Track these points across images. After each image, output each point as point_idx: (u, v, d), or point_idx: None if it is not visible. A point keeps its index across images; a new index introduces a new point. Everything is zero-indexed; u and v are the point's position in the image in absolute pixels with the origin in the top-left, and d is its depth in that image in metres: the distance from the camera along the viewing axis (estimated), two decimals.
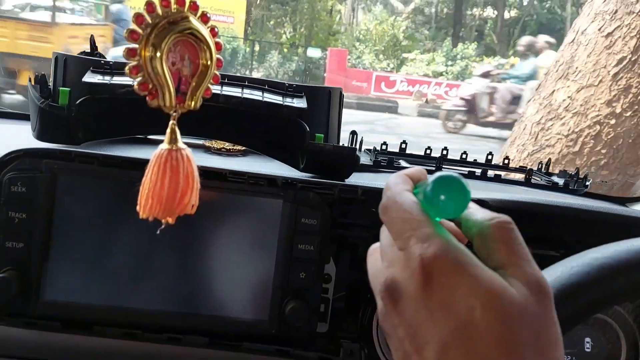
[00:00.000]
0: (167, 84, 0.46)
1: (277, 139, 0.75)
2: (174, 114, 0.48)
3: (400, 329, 0.33)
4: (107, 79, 0.70)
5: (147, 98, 0.46)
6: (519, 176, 0.97)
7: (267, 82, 0.76)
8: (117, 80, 0.70)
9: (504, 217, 0.34)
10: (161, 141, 0.84)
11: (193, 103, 0.48)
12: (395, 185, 0.36)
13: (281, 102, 0.73)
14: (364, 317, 0.68)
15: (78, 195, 0.60)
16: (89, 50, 0.83)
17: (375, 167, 0.87)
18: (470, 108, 6.71)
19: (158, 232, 0.53)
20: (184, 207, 0.48)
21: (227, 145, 0.84)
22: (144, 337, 0.60)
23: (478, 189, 0.75)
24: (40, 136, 0.71)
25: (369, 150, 0.94)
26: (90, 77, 0.70)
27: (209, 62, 0.47)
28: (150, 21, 0.44)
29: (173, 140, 0.48)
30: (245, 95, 0.72)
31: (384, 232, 0.37)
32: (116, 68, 0.72)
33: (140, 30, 0.44)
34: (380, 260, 0.36)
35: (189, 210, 0.49)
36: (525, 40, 6.43)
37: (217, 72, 0.49)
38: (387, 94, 10.00)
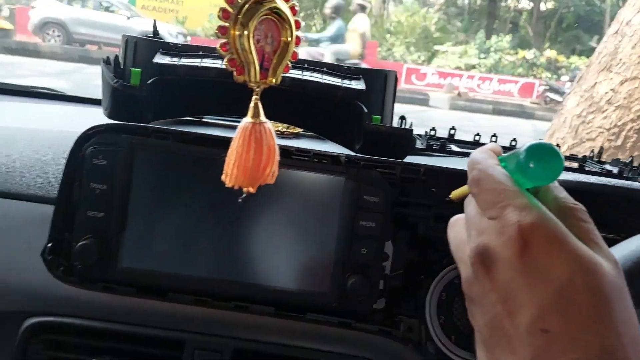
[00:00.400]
0: (253, 61, 0.49)
1: (334, 120, 0.77)
2: (257, 89, 0.50)
3: (492, 294, 0.34)
4: (175, 60, 0.73)
5: (235, 74, 0.49)
6: (571, 165, 0.97)
7: (326, 64, 0.78)
8: (185, 61, 0.73)
9: (580, 204, 0.36)
10: (217, 123, 0.88)
11: (274, 79, 0.51)
12: (484, 160, 0.38)
13: (340, 84, 0.75)
14: (420, 296, 0.69)
15: (153, 168, 0.63)
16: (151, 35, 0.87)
17: (427, 151, 0.89)
18: None
19: (239, 200, 0.56)
20: (266, 176, 0.51)
21: (281, 127, 0.87)
22: (213, 305, 0.63)
23: None
24: (112, 115, 0.75)
25: (420, 135, 0.96)
26: (160, 59, 0.73)
27: (289, 39, 0.50)
28: (239, 1, 0.46)
29: (256, 115, 0.50)
30: (305, 77, 0.74)
31: (470, 203, 0.38)
32: (183, 50, 0.75)
33: (230, 10, 0.46)
34: (465, 231, 0.38)
35: (269, 180, 0.52)
36: (331, 2, 6.22)
37: (296, 50, 0.52)
38: (418, 86, 9.93)
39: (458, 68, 10.92)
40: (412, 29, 12.02)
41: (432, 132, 0.97)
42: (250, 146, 0.50)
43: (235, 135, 0.51)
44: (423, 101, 8.39)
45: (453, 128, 1.00)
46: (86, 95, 1.13)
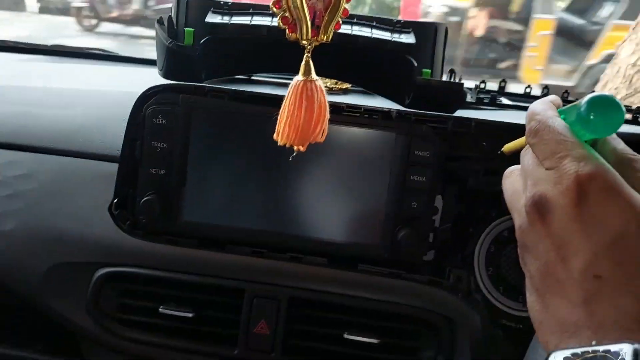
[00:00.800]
0: (305, 18, 0.49)
1: (383, 75, 0.77)
2: (309, 47, 0.51)
3: (546, 240, 0.35)
4: (226, 19, 0.74)
5: (287, 31, 0.50)
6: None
7: (376, 18, 0.77)
8: (236, 20, 0.74)
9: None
10: (266, 81, 0.89)
11: (326, 36, 0.52)
12: (544, 111, 0.38)
13: (389, 38, 0.74)
14: (469, 248, 0.71)
15: (210, 126, 0.66)
16: None
17: (477, 104, 0.87)
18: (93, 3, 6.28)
19: (290, 159, 0.58)
20: (317, 135, 0.52)
21: (330, 83, 0.88)
22: (269, 256, 0.66)
23: None
24: (166, 74, 0.77)
25: (469, 88, 0.94)
26: (211, 18, 0.74)
27: None
28: None
29: (307, 72, 0.51)
30: (354, 32, 0.74)
31: (527, 154, 0.39)
32: (234, 8, 0.76)
33: None
34: (521, 181, 0.39)
35: (319, 139, 0.53)
36: None
37: (347, 6, 0.52)
38: None
39: None
40: None
41: (482, 85, 0.96)
42: (302, 104, 0.51)
43: (286, 93, 0.52)
44: None
45: (504, 80, 0.97)
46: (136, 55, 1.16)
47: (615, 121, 0.34)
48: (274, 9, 0.49)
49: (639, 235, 0.32)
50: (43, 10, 7.88)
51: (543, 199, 0.35)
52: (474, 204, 0.70)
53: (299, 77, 0.51)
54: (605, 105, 0.34)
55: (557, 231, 0.34)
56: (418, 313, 0.66)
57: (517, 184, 0.40)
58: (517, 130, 0.67)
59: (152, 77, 0.75)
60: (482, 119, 0.65)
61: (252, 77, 0.89)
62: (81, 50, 1.16)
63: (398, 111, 0.64)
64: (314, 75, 0.52)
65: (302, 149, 0.55)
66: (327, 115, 0.53)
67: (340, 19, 0.52)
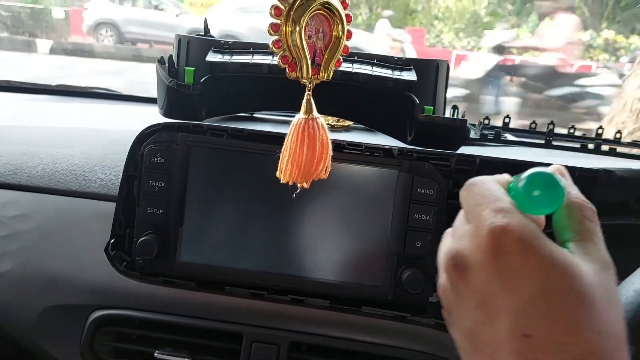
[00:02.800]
0: (305, 57, 0.49)
1: (385, 112, 0.77)
2: (309, 85, 0.51)
3: (469, 299, 0.33)
4: (227, 58, 0.74)
5: (287, 70, 0.49)
6: (635, 151, 0.93)
7: (376, 56, 0.77)
8: (237, 58, 0.74)
9: (590, 204, 0.35)
10: (268, 119, 0.89)
11: (326, 74, 0.51)
12: (483, 177, 0.37)
13: (391, 76, 0.74)
14: None
15: (209, 165, 0.64)
16: (202, 33, 0.88)
17: (481, 141, 0.87)
18: None
19: (294, 196, 0.57)
20: (320, 172, 0.51)
21: (331, 121, 0.87)
22: (270, 298, 0.64)
23: (595, 162, 0.73)
24: (167, 113, 0.77)
25: (473, 124, 0.94)
26: (212, 57, 0.74)
27: (340, 34, 0.50)
28: None
29: (309, 110, 0.51)
30: (355, 70, 0.74)
31: (459, 213, 0.37)
32: (235, 48, 0.76)
33: (282, 6, 0.46)
34: (449, 240, 0.37)
35: (323, 175, 0.52)
36: None
37: (347, 44, 0.52)
38: None
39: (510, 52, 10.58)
40: (461, 14, 11.72)
41: (486, 121, 0.95)
42: (304, 142, 0.50)
43: (288, 131, 0.51)
44: None
45: (507, 116, 0.97)
46: (140, 93, 1.16)
47: (554, 198, 0.33)
48: (274, 49, 0.48)
49: (563, 289, 0.30)
50: (53, 51, 8.06)
51: (460, 255, 0.33)
52: None
53: (301, 115, 0.51)
54: (543, 182, 0.33)
55: (478, 288, 0.32)
56: (425, 358, 0.63)
57: (447, 242, 0.38)
58: (521, 167, 0.66)
59: (153, 116, 0.75)
60: (486, 156, 0.64)
61: (254, 115, 0.88)
62: (85, 89, 1.17)
63: (400, 148, 0.63)
64: (315, 113, 0.51)
65: (306, 186, 0.54)
66: (330, 153, 0.52)
67: (340, 57, 0.52)
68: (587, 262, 0.32)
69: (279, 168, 0.52)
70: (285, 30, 0.48)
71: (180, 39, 0.79)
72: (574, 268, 0.31)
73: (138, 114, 1.00)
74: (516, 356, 0.30)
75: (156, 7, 10.46)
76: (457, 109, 0.91)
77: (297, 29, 0.47)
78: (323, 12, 0.49)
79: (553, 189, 0.33)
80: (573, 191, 0.36)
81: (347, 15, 0.50)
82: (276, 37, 0.48)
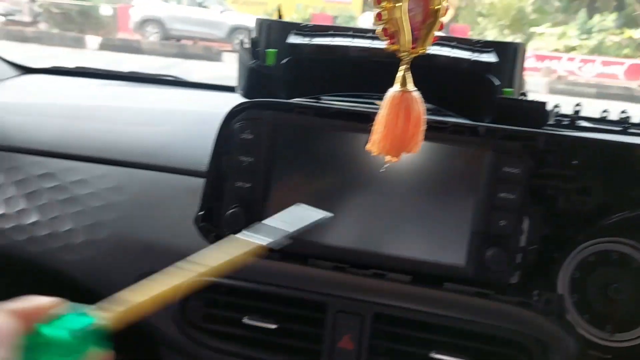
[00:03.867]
0: (405, 29, 0.50)
1: (462, 94, 0.77)
2: (406, 58, 0.52)
3: None
4: (307, 40, 0.76)
5: (387, 42, 0.51)
6: None
7: (456, 39, 0.78)
8: (317, 41, 0.76)
9: None
10: (336, 104, 0.90)
11: (423, 48, 0.52)
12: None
13: (470, 58, 0.75)
14: (552, 272, 0.68)
15: (296, 142, 0.67)
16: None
17: (556, 126, 0.86)
18: None
19: (382, 170, 0.58)
20: (412, 146, 0.52)
21: None
22: (351, 271, 0.66)
23: None
24: (247, 94, 0.80)
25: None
26: (293, 39, 0.77)
27: (438, 7, 0.51)
28: None
29: (404, 83, 0.52)
30: (435, 52, 0.75)
31: None
32: (315, 30, 0.78)
33: None
34: None
35: (414, 150, 0.53)
36: None
37: (442, 20, 0.53)
38: None
39: (556, 50, 10.31)
40: (506, 11, 11.49)
41: (557, 109, 0.94)
42: (399, 115, 0.51)
43: (383, 103, 0.52)
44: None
45: (579, 104, 0.96)
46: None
47: None
48: (376, 21, 0.50)
49: None
50: (102, 47, 8.31)
51: None
52: (561, 225, 0.68)
53: (396, 88, 0.52)
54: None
55: None
56: (509, 334, 0.63)
57: None
58: (613, 148, 0.66)
59: (227, 100, 0.77)
60: (577, 136, 0.64)
61: (320, 100, 0.90)
62: (154, 76, 1.21)
63: (486, 127, 0.64)
64: (411, 86, 0.52)
65: (395, 160, 0.55)
66: (424, 127, 0.53)
67: (436, 32, 0.53)
68: None
69: (370, 140, 0.54)
70: (387, 3, 0.49)
71: (261, 22, 0.81)
72: None
73: (209, 100, 1.03)
74: None
75: (200, 5, 10.65)
76: (526, 94, 0.90)
77: (400, 2, 0.49)
78: None
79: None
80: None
81: None
82: (378, 10, 0.49)
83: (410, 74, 0.52)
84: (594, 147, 0.64)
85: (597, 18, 10.97)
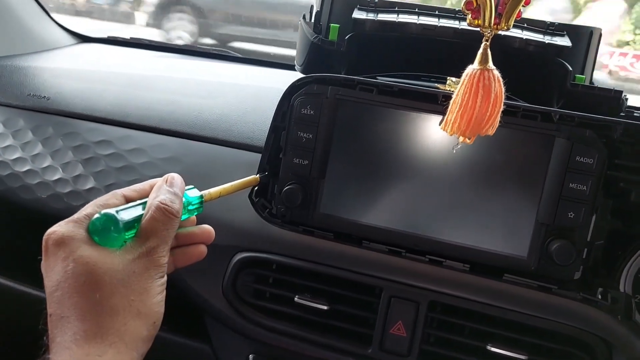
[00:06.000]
0: (490, 4, 0.47)
1: (532, 78, 0.73)
2: (488, 34, 0.49)
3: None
4: (372, 16, 0.74)
5: (470, 16, 0.48)
6: None
7: (527, 20, 0.74)
8: (382, 17, 0.74)
9: (168, 207, 0.48)
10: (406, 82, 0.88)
11: (507, 25, 0.49)
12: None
13: (543, 40, 0.71)
14: (616, 269, 0.65)
15: (356, 120, 0.64)
16: None
17: (627, 118, 0.81)
18: None
19: (454, 150, 0.55)
20: (489, 127, 0.50)
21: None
22: (407, 256, 0.64)
23: None
24: (306, 70, 0.78)
25: None
26: (358, 14, 0.74)
27: None
28: None
29: (484, 61, 0.49)
30: (505, 33, 0.71)
31: None
32: (380, 6, 0.76)
33: None
34: None
35: (490, 132, 0.50)
36: None
37: None
38: None
39: (608, 45, 9.93)
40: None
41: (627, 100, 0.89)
42: (478, 93, 0.49)
43: (461, 81, 0.50)
44: None
45: None
46: None
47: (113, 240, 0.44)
48: None
49: (75, 279, 0.41)
50: (149, 24, 8.42)
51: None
52: (630, 221, 0.64)
53: (475, 66, 0.49)
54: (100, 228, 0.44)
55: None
56: (572, 332, 0.60)
57: None
58: None
59: (285, 77, 0.76)
60: None
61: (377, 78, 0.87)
62: (208, 50, 1.21)
63: (560, 113, 0.60)
64: (491, 64, 0.49)
65: (469, 141, 0.52)
66: (502, 107, 0.50)
67: (522, 8, 0.50)
68: (121, 254, 0.44)
69: (445, 120, 0.51)
70: None
71: None
72: (93, 259, 0.42)
73: (265, 75, 1.02)
74: (52, 326, 0.41)
75: None
76: (593, 84, 0.86)
77: None
78: None
79: (105, 233, 0.44)
80: (162, 196, 0.48)
81: None
82: None
83: (489, 52, 0.49)
84: None
85: None
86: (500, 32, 0.70)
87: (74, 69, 0.91)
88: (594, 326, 0.60)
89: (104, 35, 1.21)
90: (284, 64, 1.09)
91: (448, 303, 0.63)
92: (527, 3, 0.50)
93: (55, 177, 0.77)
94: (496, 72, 0.49)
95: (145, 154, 0.75)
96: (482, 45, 0.49)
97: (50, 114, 0.82)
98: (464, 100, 0.49)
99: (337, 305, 0.65)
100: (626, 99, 0.89)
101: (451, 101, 0.50)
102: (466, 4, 0.47)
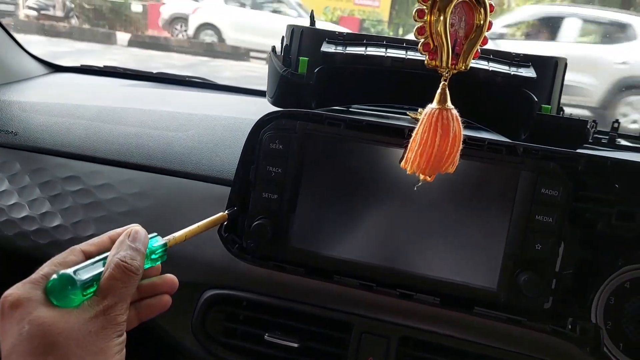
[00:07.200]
0: (447, 45, 0.48)
1: (498, 109, 0.74)
2: (446, 74, 0.49)
3: None
4: (340, 49, 0.74)
5: (427, 58, 0.48)
6: None
7: (492, 51, 0.75)
8: (351, 50, 0.74)
9: (127, 264, 0.46)
10: (363, 112, 0.88)
11: (464, 65, 0.50)
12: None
13: (509, 72, 0.72)
14: (587, 297, 0.65)
15: (325, 154, 0.65)
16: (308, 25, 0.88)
17: (595, 144, 0.83)
18: None
19: (415, 188, 0.56)
20: (448, 165, 0.50)
21: None
22: (378, 290, 0.64)
23: None
24: (277, 102, 0.78)
25: None
26: (326, 47, 0.75)
27: (482, 23, 0.48)
28: None
29: (443, 100, 0.50)
30: (472, 65, 0.72)
31: None
32: (349, 39, 0.76)
33: None
34: None
35: (450, 169, 0.51)
36: None
37: (487, 35, 0.50)
38: None
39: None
40: None
41: (595, 126, 0.91)
42: (437, 132, 0.49)
43: (420, 120, 0.50)
44: None
45: (617, 121, 0.92)
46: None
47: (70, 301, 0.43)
48: (417, 35, 0.48)
49: (36, 336, 0.40)
50: (131, 43, 8.43)
51: None
52: (598, 250, 0.65)
53: (434, 105, 0.50)
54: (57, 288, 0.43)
55: None
56: None
57: None
58: None
59: (259, 106, 0.76)
60: (620, 159, 0.61)
61: (350, 109, 0.88)
62: (183, 78, 1.21)
63: (524, 146, 0.61)
64: (449, 104, 0.50)
65: (429, 179, 0.52)
66: (461, 146, 0.50)
67: (479, 48, 0.50)
68: (77, 314, 0.43)
69: (405, 158, 0.51)
70: (430, 17, 0.47)
71: (293, 29, 0.79)
72: (49, 320, 0.41)
73: (237, 104, 1.02)
74: None
75: (275, 10, 10.63)
76: (563, 110, 0.87)
77: (442, 17, 0.47)
78: (467, 0, 0.48)
79: (63, 294, 0.43)
80: (122, 252, 0.47)
81: (490, 5, 0.49)
82: (420, 24, 0.47)
83: (448, 91, 0.50)
84: (636, 171, 0.61)
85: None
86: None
87: (43, 102, 0.90)
88: (563, 358, 0.61)
89: (84, 57, 1.20)
90: (259, 91, 1.10)
91: (419, 338, 0.63)
92: (485, 43, 0.51)
93: (22, 215, 0.76)
94: (454, 112, 0.50)
95: (114, 189, 0.75)
96: (441, 85, 0.50)
97: (18, 149, 0.81)
98: (423, 139, 0.49)
99: (308, 342, 0.64)
100: (594, 126, 0.90)
101: (411, 140, 0.51)
102: (423, 45, 0.48)
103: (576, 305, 0.65)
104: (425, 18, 0.47)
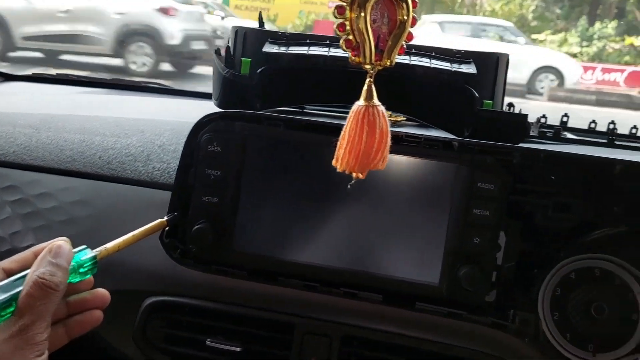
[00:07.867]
0: (369, 41, 0.48)
1: (441, 106, 0.75)
2: (371, 71, 0.49)
3: None
4: (283, 49, 0.74)
5: (350, 54, 0.48)
6: None
7: (434, 49, 0.76)
8: (293, 50, 0.74)
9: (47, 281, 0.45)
10: (318, 113, 0.88)
11: (389, 61, 0.50)
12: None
13: (449, 68, 0.72)
14: (533, 290, 0.66)
15: (264, 155, 0.64)
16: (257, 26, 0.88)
17: (540, 138, 0.84)
18: None
19: (349, 187, 0.55)
20: (377, 162, 0.50)
21: None
22: (322, 290, 0.63)
23: None
24: (222, 104, 0.77)
25: (530, 122, 0.91)
26: (268, 48, 0.74)
27: (405, 19, 0.49)
28: None
29: (369, 97, 0.49)
30: (413, 62, 0.72)
31: None
32: (291, 39, 0.76)
33: None
34: None
35: (380, 166, 0.51)
36: None
37: (412, 30, 0.50)
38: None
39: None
40: (507, 18, 11.48)
41: (543, 120, 0.92)
42: (363, 129, 0.49)
43: (347, 118, 0.50)
44: (519, 93, 8.01)
45: (566, 115, 0.93)
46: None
47: None
48: (338, 32, 0.48)
49: None
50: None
51: None
52: (541, 241, 0.65)
53: (361, 102, 0.50)
54: None
55: None
56: (481, 358, 0.61)
57: None
58: (588, 163, 0.63)
59: (207, 109, 0.75)
60: (553, 151, 0.61)
61: (305, 109, 0.88)
62: (138, 83, 1.20)
63: (460, 141, 0.61)
64: (375, 100, 0.50)
65: (361, 176, 0.52)
66: (389, 142, 0.50)
67: (404, 43, 0.50)
68: None
69: (335, 156, 0.51)
70: (350, 14, 0.47)
71: (237, 30, 0.79)
72: None
73: (191, 107, 1.01)
74: None
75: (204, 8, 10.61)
76: (513, 106, 0.88)
77: (362, 14, 0.46)
78: None
79: None
80: (41, 269, 0.45)
81: (413, 1, 0.49)
82: (340, 20, 0.47)
83: (374, 87, 0.50)
84: (570, 163, 0.62)
85: (598, 25, 10.97)
86: (409, 62, 0.72)
87: None
88: (503, 350, 0.61)
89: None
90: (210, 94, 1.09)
91: (361, 336, 0.63)
92: (410, 39, 0.51)
93: None
94: (381, 108, 0.50)
95: (54, 198, 0.73)
96: (366, 82, 0.50)
97: None
98: (351, 136, 0.49)
99: (251, 346, 0.63)
100: (542, 119, 0.91)
101: (340, 137, 0.50)
102: (345, 41, 0.48)
103: (521, 297, 0.65)
104: (346, 14, 0.47)
